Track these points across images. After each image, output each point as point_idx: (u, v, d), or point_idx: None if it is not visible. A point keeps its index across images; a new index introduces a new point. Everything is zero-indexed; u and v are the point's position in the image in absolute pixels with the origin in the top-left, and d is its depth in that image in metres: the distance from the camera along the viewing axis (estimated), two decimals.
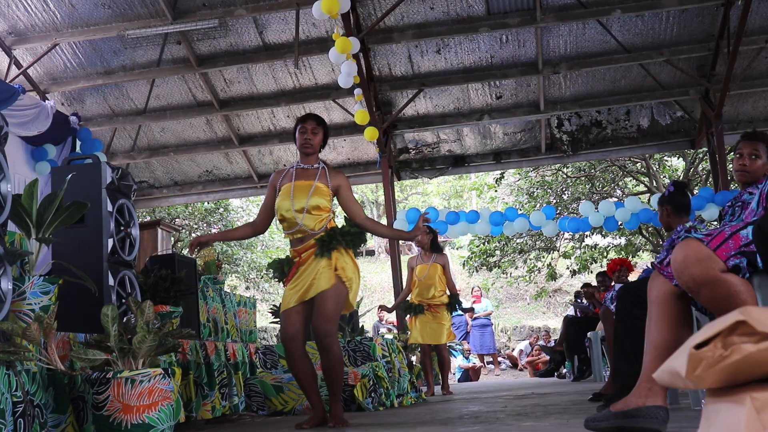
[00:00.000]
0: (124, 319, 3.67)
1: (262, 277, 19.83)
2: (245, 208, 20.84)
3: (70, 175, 4.05)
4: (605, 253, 16.91)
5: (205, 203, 17.39)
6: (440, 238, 9.96)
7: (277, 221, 4.54)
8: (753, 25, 10.26)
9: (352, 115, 10.68)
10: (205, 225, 18.59)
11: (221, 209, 18.42)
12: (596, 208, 11.72)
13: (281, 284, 4.62)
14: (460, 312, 15.78)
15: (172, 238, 8.31)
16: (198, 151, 12.56)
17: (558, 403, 5.03)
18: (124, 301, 4.35)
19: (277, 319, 7.58)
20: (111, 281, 4.36)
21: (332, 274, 4.32)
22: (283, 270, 4.47)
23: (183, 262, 5.49)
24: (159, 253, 6.70)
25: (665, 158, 17.06)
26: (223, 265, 8.13)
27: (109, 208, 4.45)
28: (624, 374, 3.95)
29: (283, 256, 4.61)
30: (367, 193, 29.30)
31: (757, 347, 1.15)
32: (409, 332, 8.51)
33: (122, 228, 4.58)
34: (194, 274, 5.67)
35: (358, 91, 10.22)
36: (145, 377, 3.30)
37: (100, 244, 4.37)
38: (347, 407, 5.60)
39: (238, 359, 5.74)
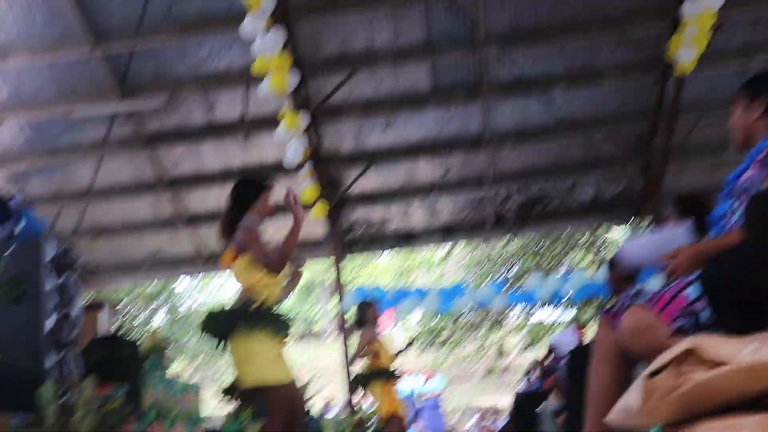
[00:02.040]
0: (63, 399, 3.54)
1: (208, 363, 19.48)
2: (189, 293, 20.61)
3: (9, 250, 3.94)
4: (554, 329, 16.98)
5: (150, 286, 17.12)
6: (389, 314, 9.96)
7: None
8: (687, 100, 10.56)
9: (300, 194, 10.67)
10: (150, 308, 18.30)
11: (167, 292, 18.17)
12: (543, 283, 11.83)
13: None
14: (410, 391, 15.70)
15: (115, 322, 8.13)
16: (144, 232, 12.39)
17: None
18: (62, 380, 4.19)
19: (226, 400, 7.38)
20: (49, 362, 4.20)
21: None
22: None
23: (125, 345, 5.32)
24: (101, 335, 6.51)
25: (610, 231, 17.34)
26: (168, 349, 7.91)
27: (50, 285, 4.33)
28: None
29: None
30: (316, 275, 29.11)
31: (707, 376, 1.14)
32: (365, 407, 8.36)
33: (63, 306, 4.45)
34: (137, 357, 5.49)
35: (304, 170, 10.24)
36: None
37: (38, 323, 4.22)
38: None
39: None
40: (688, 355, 1.14)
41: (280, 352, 4.23)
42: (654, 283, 11.05)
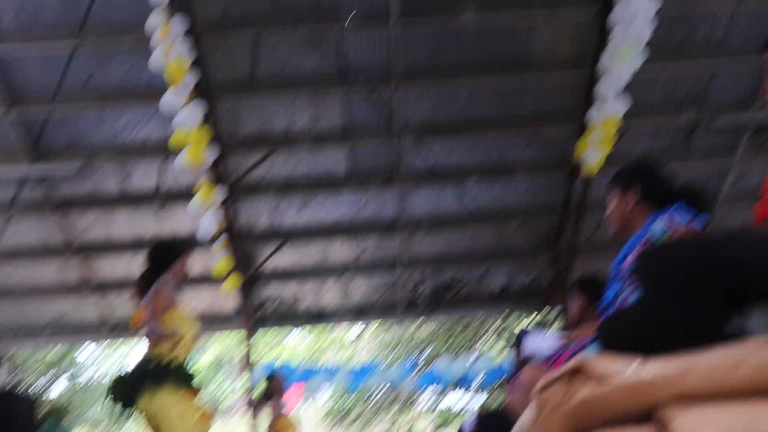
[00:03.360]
0: None
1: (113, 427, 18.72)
2: (95, 362, 19.92)
3: None
4: (463, 414, 16.97)
5: (52, 352, 16.55)
6: (299, 390, 9.84)
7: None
8: (594, 198, 10.94)
9: (212, 267, 10.60)
10: (50, 374, 17.60)
11: (67, 361, 17.55)
12: (454, 366, 11.90)
13: None
14: None
15: (13, 381, 7.83)
16: (48, 296, 12.02)
17: None
18: None
19: None
20: None
21: None
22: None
23: (23, 401, 5.16)
24: None
25: (518, 322, 17.63)
26: (68, 414, 7.70)
27: None
28: None
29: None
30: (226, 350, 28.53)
31: (593, 392, 1.23)
32: None
33: None
34: (34, 414, 5.32)
35: (218, 243, 10.21)
36: None
37: None
38: None
39: None
40: (577, 371, 1.22)
41: (191, 405, 4.15)
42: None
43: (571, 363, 1.23)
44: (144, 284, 4.56)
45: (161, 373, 4.12)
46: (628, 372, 1.20)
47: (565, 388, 1.22)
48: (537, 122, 10.10)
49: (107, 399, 4.32)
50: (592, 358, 1.23)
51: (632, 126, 9.88)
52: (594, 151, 8.83)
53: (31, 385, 16.83)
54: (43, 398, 7.49)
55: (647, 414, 1.21)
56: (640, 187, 3.24)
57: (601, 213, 10.90)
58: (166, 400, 4.07)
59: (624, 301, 2.96)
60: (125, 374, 4.29)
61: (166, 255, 4.61)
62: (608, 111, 8.54)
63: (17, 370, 8.74)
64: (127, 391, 4.19)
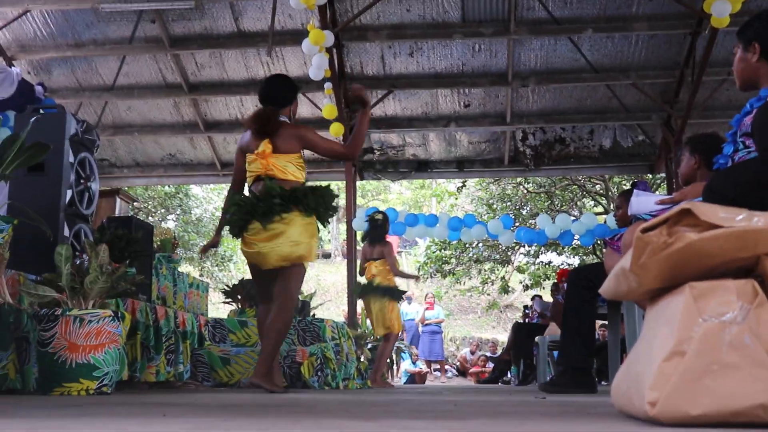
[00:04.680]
0: (78, 262, 3.64)
1: (216, 265, 19.59)
2: (206, 197, 20.61)
3: (33, 118, 4.02)
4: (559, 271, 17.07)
5: (166, 187, 17.29)
6: (398, 240, 9.96)
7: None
8: (717, 56, 10.45)
9: (320, 110, 10.70)
10: (163, 210, 18.39)
11: (181, 194, 18.24)
12: (553, 221, 11.88)
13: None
14: (411, 317, 15.96)
15: (131, 211, 8.24)
16: (163, 133, 12.45)
17: (504, 392, 5.09)
18: (77, 253, 4.31)
19: (230, 299, 7.57)
20: (66, 232, 4.32)
21: None
22: None
23: (140, 226, 5.44)
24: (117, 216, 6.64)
25: (624, 182, 17.33)
26: (178, 248, 8.07)
27: (71, 159, 4.43)
28: (569, 355, 4.02)
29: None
30: None
31: (699, 236, 1.20)
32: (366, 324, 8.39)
33: (82, 181, 4.55)
34: (150, 240, 5.62)
35: (328, 85, 10.25)
36: (94, 317, 3.28)
37: (58, 194, 4.34)
38: (293, 384, 5.60)
39: (188, 328, 5.71)
40: (684, 216, 1.19)
41: (314, 232, 4.34)
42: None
43: (679, 207, 1.19)
44: (267, 118, 4.49)
45: (291, 199, 4.25)
46: (737, 219, 1.17)
47: (670, 231, 1.20)
48: None
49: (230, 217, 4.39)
50: (701, 204, 1.19)
51: None
52: (724, 3, 8.28)
53: (144, 218, 17.72)
54: (159, 228, 7.86)
55: (748, 267, 1.18)
56: (762, 43, 2.98)
57: (724, 71, 10.49)
58: (295, 221, 4.24)
59: (739, 161, 2.85)
60: (253, 200, 4.32)
61: (289, 90, 4.60)
62: None
63: (133, 203, 9.13)
64: (251, 213, 4.25)
